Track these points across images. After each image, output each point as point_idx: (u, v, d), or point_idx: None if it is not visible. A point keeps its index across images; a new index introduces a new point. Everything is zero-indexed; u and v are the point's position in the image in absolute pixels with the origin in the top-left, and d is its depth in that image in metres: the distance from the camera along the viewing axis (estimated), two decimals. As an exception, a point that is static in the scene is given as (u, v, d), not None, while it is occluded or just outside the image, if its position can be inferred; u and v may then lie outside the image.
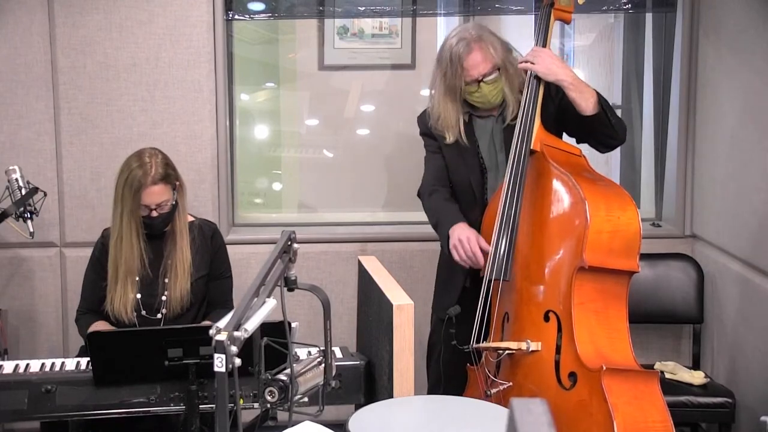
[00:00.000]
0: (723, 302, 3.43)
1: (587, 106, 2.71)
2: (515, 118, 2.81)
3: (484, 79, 2.80)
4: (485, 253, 2.73)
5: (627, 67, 4.13)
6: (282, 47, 4.27)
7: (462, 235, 2.78)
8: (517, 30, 3.82)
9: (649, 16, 3.93)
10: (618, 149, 4.18)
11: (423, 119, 3.03)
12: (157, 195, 2.89)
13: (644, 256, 3.51)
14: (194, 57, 3.58)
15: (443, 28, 4.17)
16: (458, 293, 2.95)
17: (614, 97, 4.24)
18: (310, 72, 4.14)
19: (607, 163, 4.21)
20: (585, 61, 4.48)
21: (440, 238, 2.93)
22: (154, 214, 2.92)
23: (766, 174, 3.05)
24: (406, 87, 3.94)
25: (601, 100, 2.73)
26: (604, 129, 2.76)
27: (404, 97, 3.99)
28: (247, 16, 3.80)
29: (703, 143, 3.60)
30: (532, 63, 2.74)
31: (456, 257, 2.78)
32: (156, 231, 2.97)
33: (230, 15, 3.69)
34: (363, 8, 3.81)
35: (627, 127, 2.89)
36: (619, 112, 4.20)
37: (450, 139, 2.91)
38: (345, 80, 4.11)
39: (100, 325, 2.96)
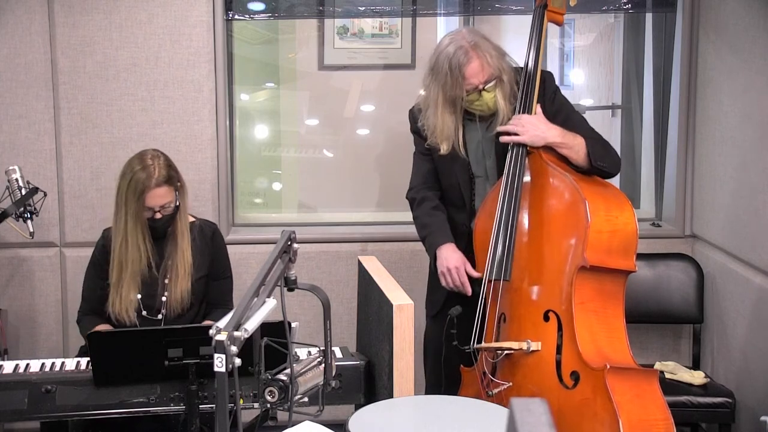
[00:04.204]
0: (723, 302, 3.43)
1: (579, 158, 2.70)
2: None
3: (485, 87, 2.74)
4: (475, 280, 2.76)
5: (627, 67, 4.13)
6: (282, 47, 4.27)
7: (450, 263, 2.79)
8: (517, 30, 3.81)
9: (649, 16, 3.93)
10: (618, 149, 4.19)
11: (413, 115, 2.97)
12: (160, 197, 2.90)
13: (644, 256, 3.54)
14: (194, 57, 3.58)
15: (443, 28, 4.17)
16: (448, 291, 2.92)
17: (614, 97, 4.25)
18: (310, 72, 4.13)
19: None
20: (585, 61, 4.48)
21: (428, 252, 2.94)
22: (158, 216, 2.92)
23: (766, 174, 3.05)
24: (406, 87, 3.94)
25: (589, 150, 2.69)
26: (597, 173, 2.76)
27: (404, 97, 3.98)
28: (247, 16, 3.80)
29: (703, 143, 3.60)
30: (516, 134, 2.69)
31: (444, 284, 2.81)
32: (159, 233, 2.98)
33: (230, 15, 3.69)
34: (363, 8, 3.81)
35: (620, 161, 2.85)
36: (619, 112, 4.21)
37: (445, 149, 2.83)
38: (345, 80, 4.11)
39: (102, 329, 2.95)
